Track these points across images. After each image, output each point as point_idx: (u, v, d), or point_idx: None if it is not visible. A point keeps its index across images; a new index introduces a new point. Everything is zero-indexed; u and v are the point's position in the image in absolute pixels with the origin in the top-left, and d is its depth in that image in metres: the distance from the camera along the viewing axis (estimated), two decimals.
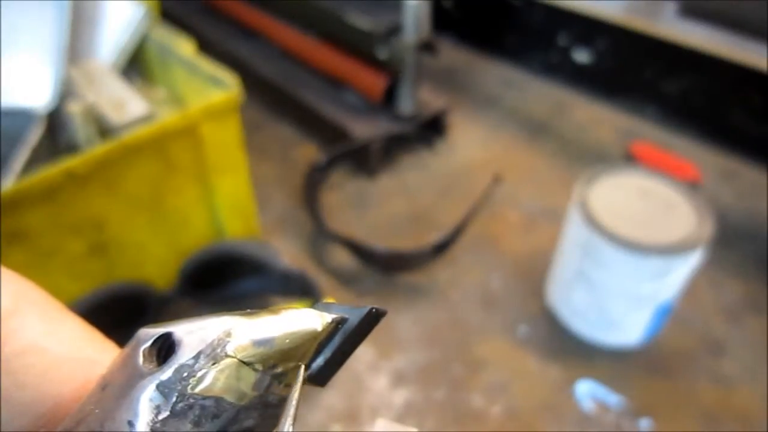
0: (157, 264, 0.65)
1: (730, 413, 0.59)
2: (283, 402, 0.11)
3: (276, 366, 0.11)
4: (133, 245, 0.61)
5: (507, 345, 0.65)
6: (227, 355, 0.11)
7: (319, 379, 0.11)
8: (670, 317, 0.65)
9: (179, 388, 0.11)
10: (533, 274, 0.72)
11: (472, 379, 0.61)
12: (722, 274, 0.72)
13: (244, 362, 0.11)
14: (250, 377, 0.11)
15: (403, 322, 0.67)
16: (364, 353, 0.64)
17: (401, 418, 0.57)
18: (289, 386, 0.11)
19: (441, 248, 0.71)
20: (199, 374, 0.11)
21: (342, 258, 0.74)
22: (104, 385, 0.11)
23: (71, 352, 0.12)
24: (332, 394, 0.59)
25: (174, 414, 0.11)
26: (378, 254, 0.70)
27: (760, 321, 0.67)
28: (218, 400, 0.11)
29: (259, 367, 0.11)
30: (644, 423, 0.58)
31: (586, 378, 0.61)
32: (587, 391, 0.60)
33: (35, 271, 0.53)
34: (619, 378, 0.61)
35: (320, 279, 0.70)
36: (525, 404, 0.59)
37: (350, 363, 0.63)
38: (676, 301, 0.62)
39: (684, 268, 0.57)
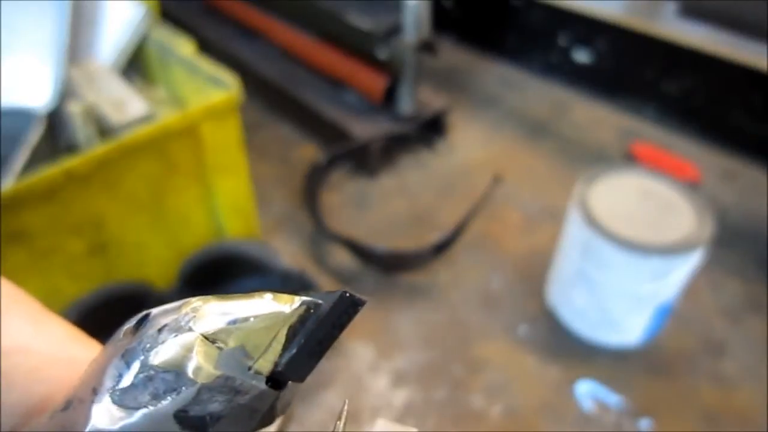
0: (157, 264, 0.65)
1: (730, 413, 0.59)
2: (255, 392, 0.11)
3: (242, 348, 0.11)
4: (133, 245, 0.61)
5: (507, 345, 0.65)
6: (190, 329, 0.11)
7: (295, 370, 0.11)
8: (670, 317, 0.65)
9: (141, 357, 0.11)
10: (533, 274, 0.72)
11: (472, 379, 0.61)
12: (722, 274, 0.72)
13: (206, 338, 0.11)
14: (212, 353, 0.11)
15: (403, 322, 0.67)
16: (364, 353, 0.64)
17: (401, 418, 0.57)
18: (259, 374, 0.11)
19: (441, 248, 0.71)
20: (161, 346, 0.11)
21: (342, 258, 0.74)
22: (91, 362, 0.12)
23: (58, 352, 0.12)
24: (332, 394, 0.59)
25: (134, 384, 0.11)
26: (378, 254, 0.70)
27: (760, 321, 0.67)
28: (178, 374, 0.11)
29: (222, 345, 0.11)
30: (644, 423, 0.58)
31: (586, 378, 0.61)
32: (587, 391, 0.60)
33: (35, 271, 0.53)
34: (619, 378, 0.61)
35: (320, 279, 0.70)
36: (525, 404, 0.59)
37: (350, 363, 0.63)
38: (676, 301, 0.62)
39: (684, 268, 0.57)
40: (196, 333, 0.11)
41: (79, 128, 0.58)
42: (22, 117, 0.60)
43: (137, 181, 0.57)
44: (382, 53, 0.82)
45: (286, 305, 0.12)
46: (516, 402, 0.59)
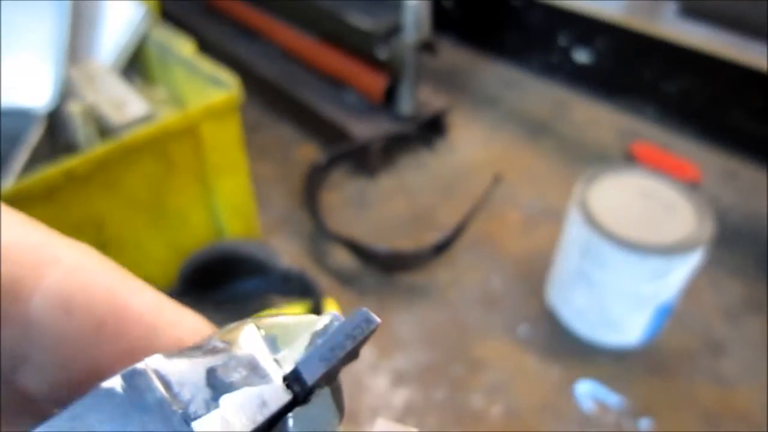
0: (157, 264, 0.65)
1: (730, 413, 0.59)
2: (269, 380, 0.11)
3: (274, 338, 0.11)
4: (133, 245, 0.61)
5: (507, 345, 0.65)
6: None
7: (307, 371, 0.11)
8: (670, 317, 0.65)
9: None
10: (533, 274, 0.72)
11: (472, 379, 0.61)
12: (722, 274, 0.72)
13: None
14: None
15: (403, 322, 0.67)
16: (364, 353, 0.64)
17: (401, 418, 0.57)
18: (278, 365, 0.11)
19: (441, 248, 0.71)
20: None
21: (342, 258, 0.74)
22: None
23: (20, 237, 0.11)
24: None
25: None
26: (378, 254, 0.70)
27: (760, 321, 0.67)
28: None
29: (261, 330, 0.12)
30: (644, 423, 0.58)
31: (586, 378, 0.61)
32: (587, 391, 0.60)
33: None
34: (619, 378, 0.61)
35: (320, 279, 0.70)
36: (525, 404, 0.59)
37: (350, 363, 0.63)
38: (676, 301, 0.62)
39: (684, 268, 0.57)
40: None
41: (79, 128, 0.58)
42: (22, 117, 0.60)
43: (137, 181, 0.57)
44: (382, 53, 0.82)
45: (318, 317, 0.12)
46: (516, 402, 0.59)
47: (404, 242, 0.75)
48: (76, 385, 0.11)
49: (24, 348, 0.11)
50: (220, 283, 0.67)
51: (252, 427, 0.10)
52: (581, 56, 1.01)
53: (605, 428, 0.57)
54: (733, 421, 0.58)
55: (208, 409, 0.10)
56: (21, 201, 0.49)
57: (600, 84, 1.01)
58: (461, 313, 0.68)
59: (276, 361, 0.11)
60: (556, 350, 0.64)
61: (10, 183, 0.52)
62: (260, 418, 0.10)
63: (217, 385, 0.10)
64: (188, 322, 0.12)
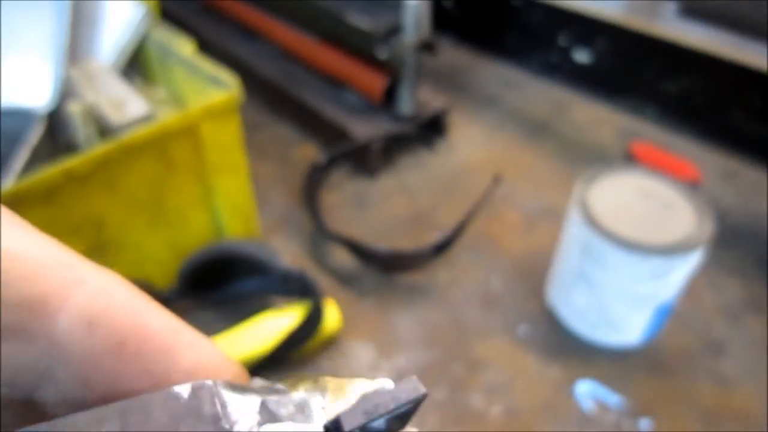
0: (156, 264, 0.65)
1: (730, 413, 0.59)
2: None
3: (324, 389, 0.13)
4: (133, 245, 0.61)
5: (507, 345, 0.65)
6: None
7: (347, 418, 0.12)
8: (670, 317, 0.65)
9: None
10: (533, 274, 0.72)
11: (472, 379, 0.61)
12: (722, 274, 0.72)
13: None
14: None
15: (403, 322, 0.67)
16: (364, 353, 0.64)
17: None
18: (324, 411, 0.12)
19: (441, 248, 0.71)
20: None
21: (342, 258, 0.74)
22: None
23: (48, 258, 0.12)
24: None
25: None
26: (378, 254, 0.70)
27: (760, 321, 0.67)
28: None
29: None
30: (644, 423, 0.58)
31: (586, 378, 0.61)
32: (587, 391, 0.60)
33: None
34: (619, 378, 0.61)
35: (320, 279, 0.70)
36: (525, 404, 0.59)
37: (350, 362, 0.63)
38: (676, 301, 0.62)
39: (684, 268, 0.57)
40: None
41: (79, 128, 0.58)
42: (22, 117, 0.60)
43: (137, 181, 0.57)
44: (382, 53, 0.82)
45: (372, 381, 0.13)
46: (516, 402, 0.59)
47: (404, 242, 0.75)
48: (91, 404, 0.11)
49: (48, 364, 0.11)
50: (220, 283, 0.67)
51: None
52: (581, 56, 1.01)
53: (605, 428, 0.57)
54: (733, 421, 0.58)
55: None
56: (21, 201, 0.49)
57: (600, 84, 1.01)
58: (461, 313, 0.68)
59: (323, 409, 0.12)
60: (556, 350, 0.64)
61: (10, 183, 0.52)
62: None
63: (265, 415, 0.11)
64: (204, 346, 0.13)
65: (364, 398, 0.12)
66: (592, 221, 0.57)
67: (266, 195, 0.82)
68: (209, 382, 0.11)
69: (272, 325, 0.61)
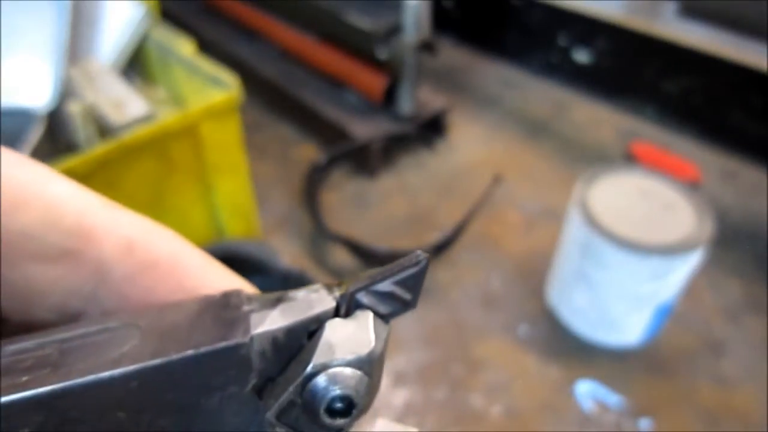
0: None
1: (730, 413, 0.59)
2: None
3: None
4: None
5: (507, 345, 0.65)
6: None
7: (355, 285, 0.13)
8: (670, 317, 0.65)
9: None
10: (533, 274, 0.72)
11: (472, 379, 0.61)
12: (722, 274, 0.72)
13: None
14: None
15: (403, 322, 0.67)
16: None
17: (401, 417, 0.57)
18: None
19: (441, 248, 0.71)
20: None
21: (342, 258, 0.74)
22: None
23: (96, 200, 0.13)
24: None
25: None
26: (378, 254, 0.70)
27: (760, 321, 0.67)
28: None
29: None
30: (644, 423, 0.58)
31: (586, 378, 0.61)
32: (587, 391, 0.60)
33: None
34: (619, 378, 0.61)
35: (320, 279, 0.70)
36: (525, 404, 0.59)
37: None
38: (676, 301, 0.62)
39: (684, 268, 0.57)
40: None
41: (79, 128, 0.58)
42: (22, 117, 0.60)
43: (137, 181, 0.57)
44: (382, 53, 0.82)
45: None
46: (516, 402, 0.59)
47: (404, 242, 0.75)
48: None
49: (93, 287, 0.13)
50: None
51: (291, 321, 0.12)
52: (581, 56, 1.01)
53: (605, 428, 0.57)
54: (733, 420, 0.58)
55: (267, 312, 0.12)
56: None
57: (600, 84, 1.01)
58: (461, 312, 0.68)
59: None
60: (556, 350, 0.64)
61: None
62: (302, 317, 0.12)
63: (282, 300, 0.12)
64: (233, 279, 0.14)
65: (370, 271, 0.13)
66: (592, 221, 0.57)
67: (266, 195, 0.82)
68: (236, 289, 0.13)
69: None
